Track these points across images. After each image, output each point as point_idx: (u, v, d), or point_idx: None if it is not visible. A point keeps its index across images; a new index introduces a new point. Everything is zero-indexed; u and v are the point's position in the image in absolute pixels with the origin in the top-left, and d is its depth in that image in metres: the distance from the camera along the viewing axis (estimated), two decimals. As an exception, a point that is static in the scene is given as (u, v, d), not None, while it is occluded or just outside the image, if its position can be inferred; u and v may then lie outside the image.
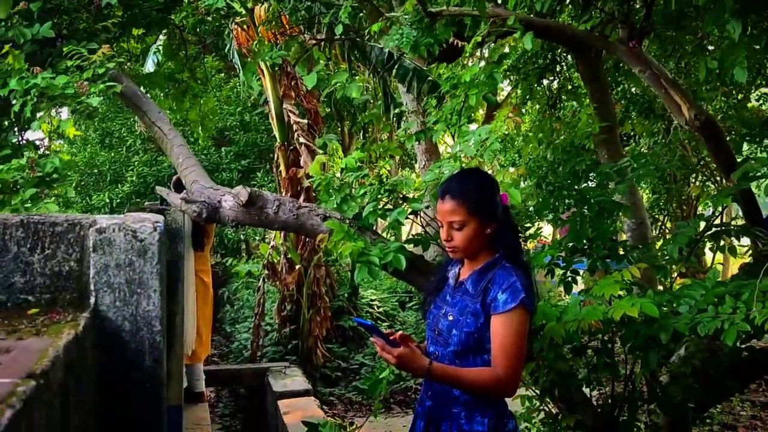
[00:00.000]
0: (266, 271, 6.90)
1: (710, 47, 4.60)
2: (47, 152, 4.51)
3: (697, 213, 7.12)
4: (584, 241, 3.35)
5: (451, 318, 2.29)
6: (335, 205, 3.54)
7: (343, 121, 11.15)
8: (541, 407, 3.47)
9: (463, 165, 3.68)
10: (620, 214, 3.41)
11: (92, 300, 1.65)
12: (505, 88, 9.37)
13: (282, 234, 6.79)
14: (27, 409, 1.01)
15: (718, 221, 3.31)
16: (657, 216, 7.68)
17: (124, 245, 1.67)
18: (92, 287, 1.66)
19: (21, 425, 0.98)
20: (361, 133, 11.63)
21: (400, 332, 2.18)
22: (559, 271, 3.39)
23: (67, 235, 1.66)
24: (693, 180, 6.93)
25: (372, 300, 8.74)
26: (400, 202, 3.56)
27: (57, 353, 1.22)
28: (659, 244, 3.47)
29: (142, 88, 4.73)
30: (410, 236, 3.01)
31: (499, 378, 2.13)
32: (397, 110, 6.24)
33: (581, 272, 3.38)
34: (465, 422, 2.28)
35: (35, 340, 1.34)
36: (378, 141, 10.46)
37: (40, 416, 1.09)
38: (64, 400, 1.26)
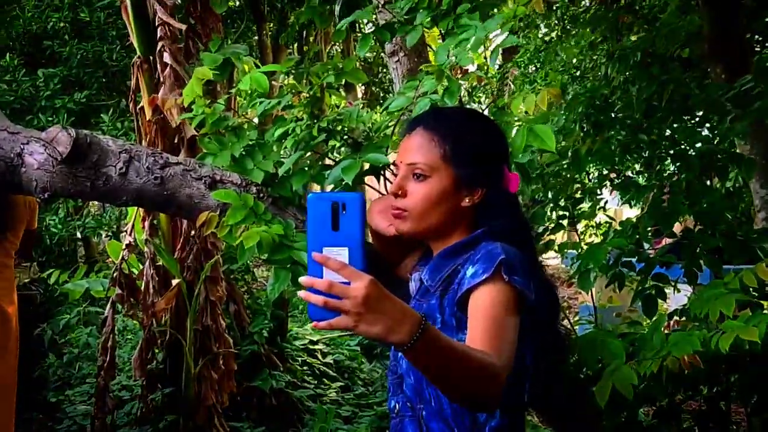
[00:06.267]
0: (118, 291, 3.98)
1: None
2: None
3: None
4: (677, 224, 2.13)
5: None
6: (231, 162, 2.25)
7: (264, 22, 7.75)
8: None
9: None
10: (742, 174, 2.27)
11: None
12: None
13: (146, 223, 4.09)
14: None
15: None
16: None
17: None
18: None
19: None
20: (294, 46, 8.54)
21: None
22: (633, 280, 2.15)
23: None
24: None
25: (314, 341, 5.70)
26: (350, 150, 2.20)
27: None
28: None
29: None
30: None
31: (492, 362, 1.37)
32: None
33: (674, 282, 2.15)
34: None
35: None
36: (326, 59, 7.55)
37: None
38: None
